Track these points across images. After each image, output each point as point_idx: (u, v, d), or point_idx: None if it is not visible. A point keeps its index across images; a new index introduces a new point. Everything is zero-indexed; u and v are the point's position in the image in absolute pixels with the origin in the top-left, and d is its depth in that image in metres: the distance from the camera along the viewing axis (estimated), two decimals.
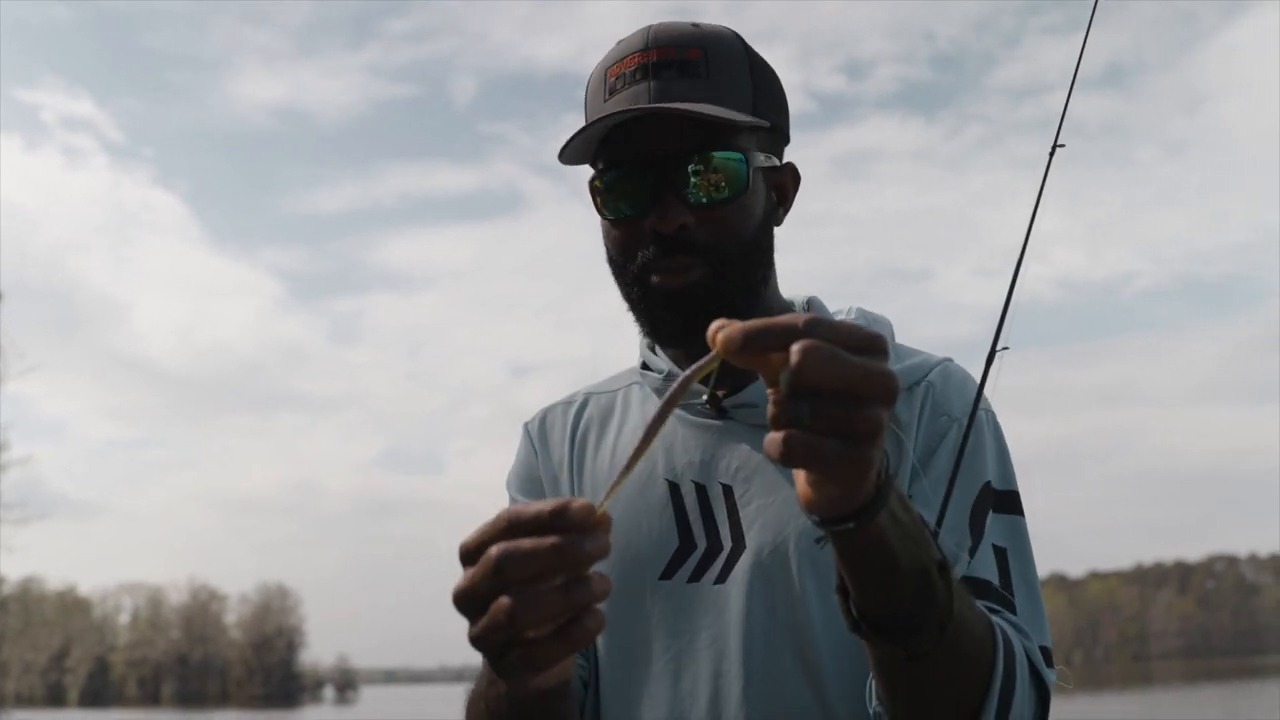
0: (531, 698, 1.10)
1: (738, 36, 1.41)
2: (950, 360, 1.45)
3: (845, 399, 0.80)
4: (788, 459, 0.81)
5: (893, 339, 1.47)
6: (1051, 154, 1.45)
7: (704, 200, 1.33)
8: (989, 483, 1.35)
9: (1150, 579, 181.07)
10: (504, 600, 0.81)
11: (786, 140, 1.45)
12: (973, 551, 1.30)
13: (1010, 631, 1.19)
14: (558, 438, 1.56)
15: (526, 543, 0.81)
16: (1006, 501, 1.36)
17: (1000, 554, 1.31)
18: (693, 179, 1.32)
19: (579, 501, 0.82)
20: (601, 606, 0.83)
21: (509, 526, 0.83)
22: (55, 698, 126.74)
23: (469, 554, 0.85)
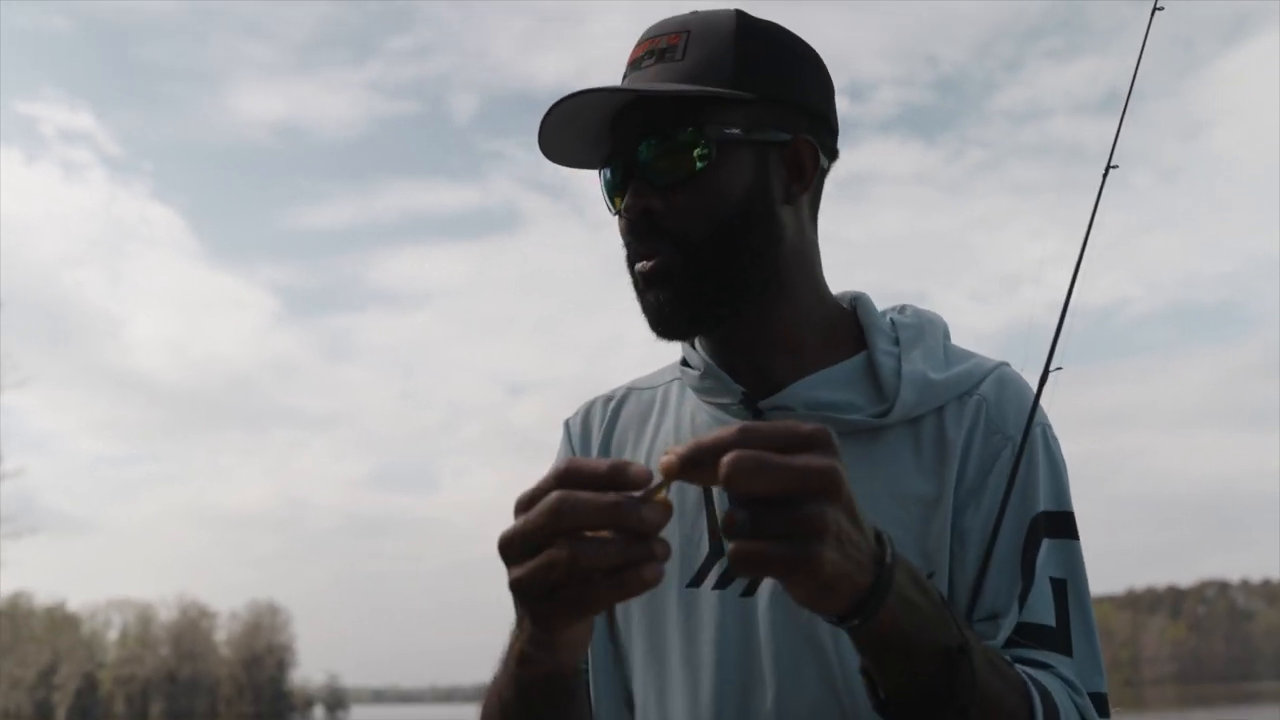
0: (545, 675, 1.04)
1: (737, 14, 1.32)
2: (1006, 365, 1.35)
3: (781, 502, 0.81)
4: (739, 569, 0.82)
5: (946, 337, 1.39)
6: (1105, 175, 1.41)
7: (662, 182, 1.27)
8: (1042, 512, 1.26)
9: (1143, 604, 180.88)
10: (564, 540, 0.82)
11: (808, 114, 1.33)
12: (1024, 595, 1.22)
13: (1058, 692, 1.13)
14: (596, 433, 1.50)
15: (586, 494, 0.82)
16: (1061, 525, 1.27)
17: (1058, 588, 1.23)
18: (651, 160, 1.27)
19: (638, 465, 0.83)
20: (640, 598, 0.81)
21: (568, 474, 0.83)
22: (43, 715, 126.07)
23: (525, 504, 0.85)
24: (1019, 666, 1.12)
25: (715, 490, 1.29)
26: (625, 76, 1.32)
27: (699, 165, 1.25)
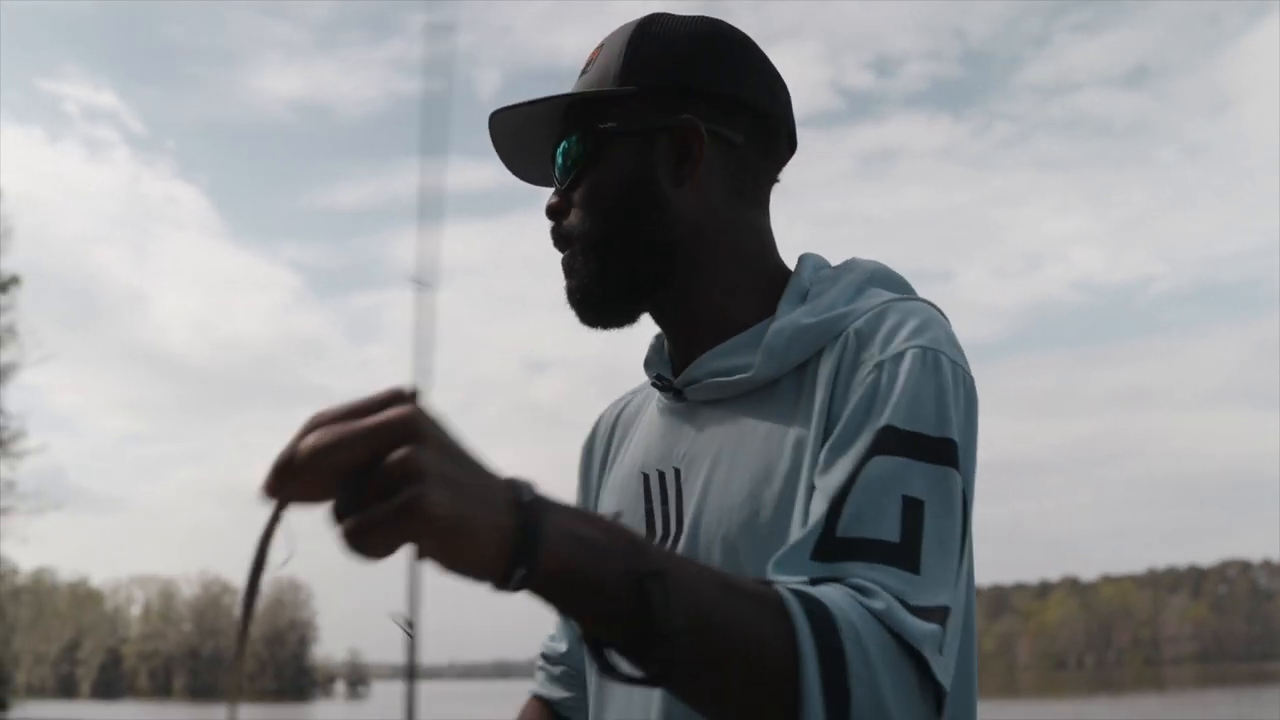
0: None
1: (646, 17, 1.37)
2: (902, 300, 1.27)
3: (361, 469, 0.79)
4: (356, 549, 0.79)
5: (875, 282, 1.32)
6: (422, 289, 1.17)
7: (560, 184, 1.34)
8: (887, 427, 1.14)
9: (1163, 583, 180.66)
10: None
11: (701, 97, 1.33)
12: (838, 504, 1.11)
13: (836, 601, 1.00)
14: (602, 434, 1.54)
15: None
16: (923, 447, 1.14)
17: (912, 507, 1.11)
18: (557, 165, 1.35)
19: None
20: None
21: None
22: (67, 689, 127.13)
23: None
24: (787, 582, 1.02)
25: (651, 474, 1.35)
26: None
27: (583, 163, 1.32)
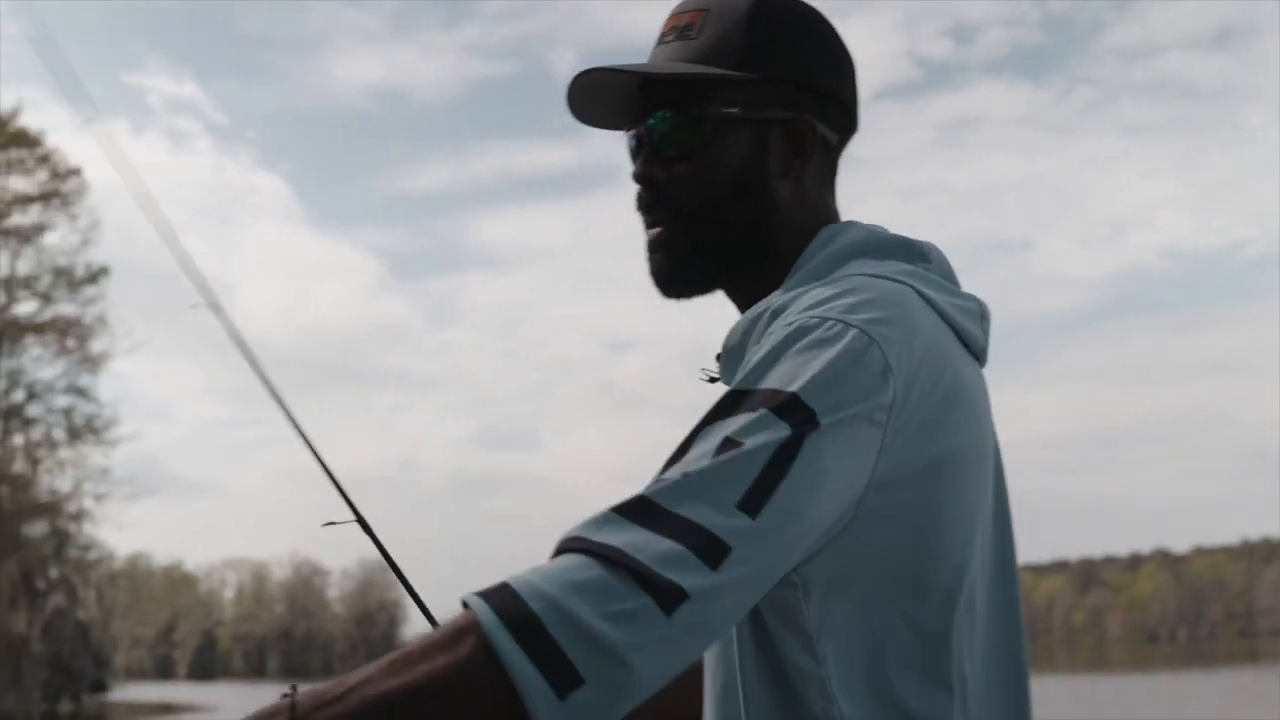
0: None
1: None
2: (843, 278, 1.21)
3: None
4: None
5: (859, 254, 1.29)
6: None
7: (665, 154, 1.35)
8: (731, 391, 1.10)
9: (1258, 554, 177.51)
10: None
11: (813, 93, 1.36)
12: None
13: (531, 570, 0.98)
14: None
15: None
16: (732, 400, 1.09)
17: (680, 452, 1.07)
18: (659, 133, 1.35)
19: None
20: None
21: None
22: (164, 671, 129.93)
23: None
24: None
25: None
26: (655, 46, 1.39)
27: (697, 141, 1.33)
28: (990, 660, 1.21)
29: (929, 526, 1.13)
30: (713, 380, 1.36)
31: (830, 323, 1.11)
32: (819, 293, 1.17)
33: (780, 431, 1.03)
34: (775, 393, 1.06)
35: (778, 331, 1.13)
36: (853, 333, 1.10)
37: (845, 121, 1.40)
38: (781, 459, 1.02)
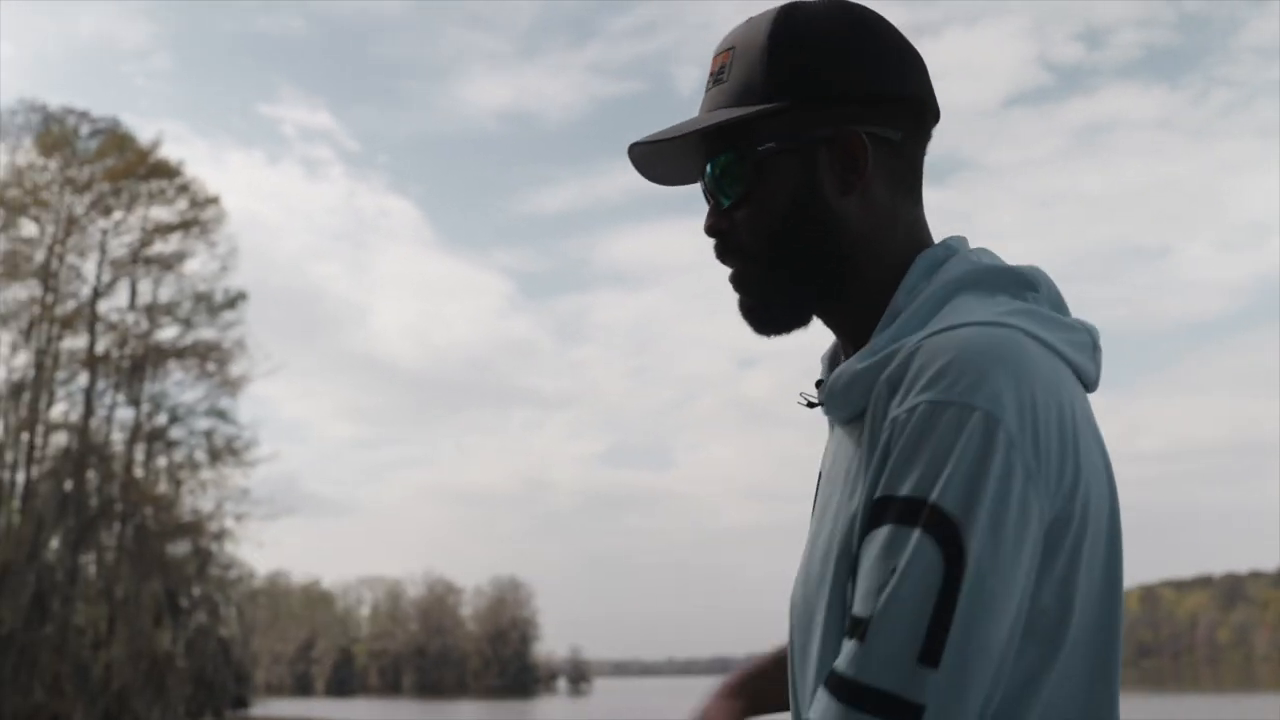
0: None
1: (776, 14, 1.33)
2: (942, 332, 1.17)
3: None
4: None
5: (975, 286, 1.25)
6: None
7: (724, 204, 1.33)
8: (882, 498, 1.12)
9: None
10: None
11: (855, 101, 1.30)
12: (853, 588, 1.13)
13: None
14: None
15: None
16: (904, 510, 1.09)
17: (885, 576, 1.08)
18: (713, 185, 1.34)
19: None
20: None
21: None
22: (303, 687, 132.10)
23: None
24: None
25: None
26: (706, 90, 1.37)
27: (747, 185, 1.31)
28: (1088, 681, 1.16)
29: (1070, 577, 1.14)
30: (811, 405, 1.35)
31: (953, 408, 1.09)
32: (932, 352, 1.13)
33: (936, 558, 1.04)
34: (919, 504, 1.07)
35: (901, 420, 1.12)
36: (976, 415, 1.08)
37: (908, 113, 1.33)
38: (947, 591, 1.03)
